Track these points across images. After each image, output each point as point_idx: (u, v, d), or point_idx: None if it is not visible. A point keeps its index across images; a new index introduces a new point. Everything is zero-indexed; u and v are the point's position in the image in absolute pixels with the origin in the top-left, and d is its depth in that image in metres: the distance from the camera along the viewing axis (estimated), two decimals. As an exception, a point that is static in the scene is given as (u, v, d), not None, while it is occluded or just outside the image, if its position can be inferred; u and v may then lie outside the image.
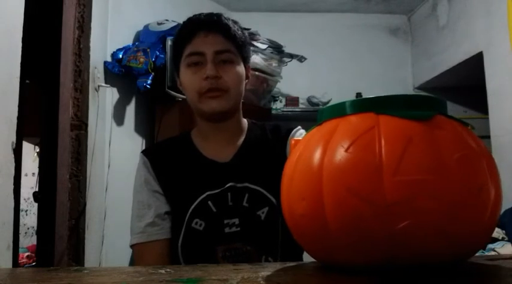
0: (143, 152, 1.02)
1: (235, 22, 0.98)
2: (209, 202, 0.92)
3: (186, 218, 0.92)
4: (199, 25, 0.95)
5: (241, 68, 0.97)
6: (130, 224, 0.97)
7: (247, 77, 1.00)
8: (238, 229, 0.91)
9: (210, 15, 0.97)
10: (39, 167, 2.07)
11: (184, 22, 0.99)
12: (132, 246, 0.96)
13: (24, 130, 1.56)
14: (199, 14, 0.98)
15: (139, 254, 0.95)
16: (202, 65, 0.93)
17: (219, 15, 0.97)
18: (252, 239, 0.91)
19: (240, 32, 0.97)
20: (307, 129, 0.58)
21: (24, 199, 4.08)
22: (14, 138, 1.26)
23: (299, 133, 1.01)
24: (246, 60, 1.00)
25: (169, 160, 0.99)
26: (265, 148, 0.99)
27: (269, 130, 1.03)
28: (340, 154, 0.44)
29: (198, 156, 0.98)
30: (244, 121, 1.04)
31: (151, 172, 0.97)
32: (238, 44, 0.96)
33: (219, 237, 0.91)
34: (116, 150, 2.35)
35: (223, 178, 0.94)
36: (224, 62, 0.94)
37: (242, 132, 1.01)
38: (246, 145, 0.99)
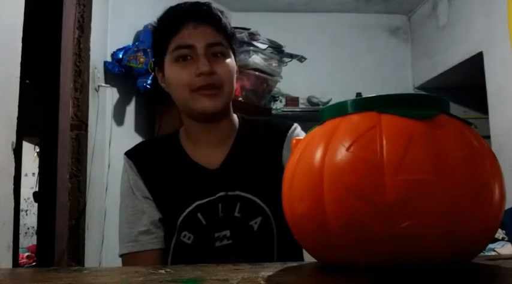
0: (127, 154, 0.93)
1: (221, 12, 0.90)
2: (198, 214, 0.85)
3: (176, 230, 0.85)
4: (187, 15, 0.86)
5: (232, 61, 0.89)
6: (119, 231, 0.90)
7: (236, 71, 0.92)
8: (230, 241, 0.85)
9: (198, 5, 0.88)
10: (39, 167, 2.06)
11: (166, 11, 0.89)
12: (121, 255, 0.88)
13: (24, 130, 1.56)
14: (184, 3, 0.88)
15: (130, 265, 0.85)
16: (192, 59, 0.85)
17: (208, 5, 0.88)
18: (245, 252, 0.85)
19: (228, 22, 0.90)
20: (307, 129, 0.58)
21: (24, 199, 4.08)
22: (14, 138, 1.25)
23: (295, 133, 0.94)
24: (235, 52, 0.92)
25: (155, 164, 0.91)
26: (258, 149, 0.91)
27: (262, 128, 0.96)
28: (341, 153, 0.44)
29: (187, 161, 0.90)
30: (235, 118, 0.96)
31: (139, 176, 0.90)
32: (229, 36, 0.89)
33: (209, 251, 0.85)
34: (116, 150, 2.34)
35: (213, 187, 0.87)
36: (215, 55, 0.86)
37: (233, 132, 0.93)
38: (237, 146, 0.91)
